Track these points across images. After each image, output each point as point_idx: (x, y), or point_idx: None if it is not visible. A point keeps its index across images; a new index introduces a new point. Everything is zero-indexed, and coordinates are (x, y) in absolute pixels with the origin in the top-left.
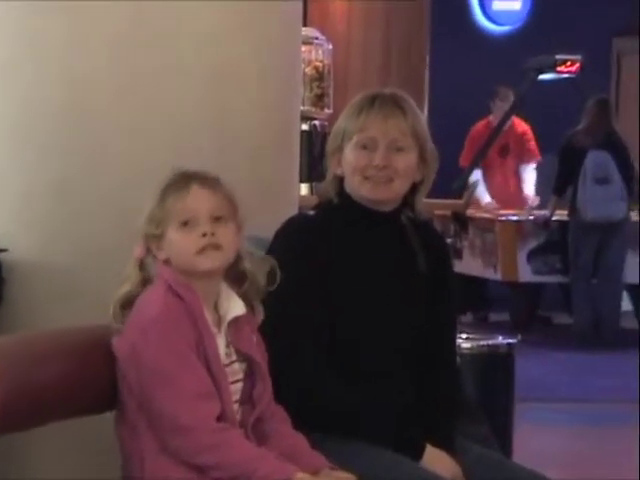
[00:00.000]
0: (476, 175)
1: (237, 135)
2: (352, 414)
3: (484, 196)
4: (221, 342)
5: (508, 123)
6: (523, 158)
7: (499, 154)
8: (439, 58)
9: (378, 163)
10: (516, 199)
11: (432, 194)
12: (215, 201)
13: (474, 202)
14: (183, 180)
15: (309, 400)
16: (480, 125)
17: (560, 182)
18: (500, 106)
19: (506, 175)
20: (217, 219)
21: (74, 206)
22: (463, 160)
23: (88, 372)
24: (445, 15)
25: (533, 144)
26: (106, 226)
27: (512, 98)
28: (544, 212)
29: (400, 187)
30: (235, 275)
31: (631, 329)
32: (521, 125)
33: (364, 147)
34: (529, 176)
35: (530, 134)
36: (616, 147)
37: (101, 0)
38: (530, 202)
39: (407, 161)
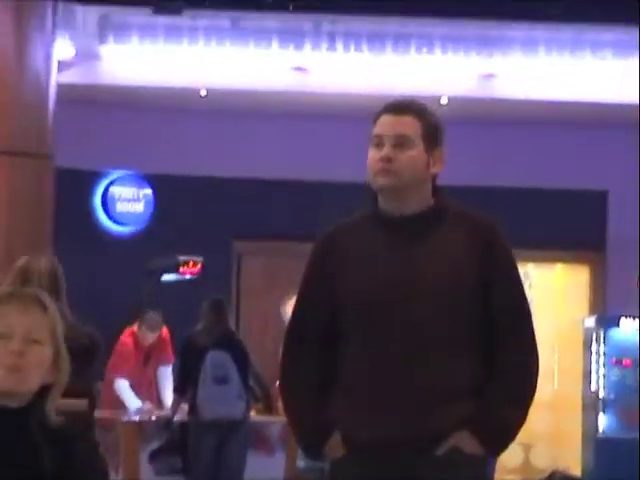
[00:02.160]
0: (120, 383)
1: None
2: None
3: (133, 402)
4: None
5: (154, 337)
6: (161, 362)
7: (144, 363)
8: (63, 259)
9: (13, 349)
10: (161, 401)
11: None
12: None
13: (119, 407)
14: None
15: None
16: (127, 336)
17: (181, 381)
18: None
19: (150, 380)
20: None
21: None
22: (113, 370)
23: None
24: (68, 217)
25: (170, 348)
26: None
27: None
28: (166, 412)
29: (34, 378)
30: None
31: None
32: (163, 331)
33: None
34: (168, 378)
35: (169, 338)
36: (235, 347)
37: None
38: (169, 403)
39: (41, 354)
